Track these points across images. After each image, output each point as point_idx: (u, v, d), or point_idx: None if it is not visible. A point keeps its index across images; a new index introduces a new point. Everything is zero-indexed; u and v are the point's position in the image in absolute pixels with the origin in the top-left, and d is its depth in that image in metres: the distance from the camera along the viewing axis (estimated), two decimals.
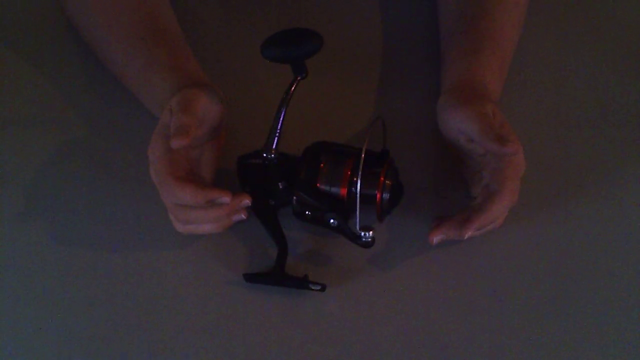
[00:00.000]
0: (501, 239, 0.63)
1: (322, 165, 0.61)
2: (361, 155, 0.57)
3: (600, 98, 0.73)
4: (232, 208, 0.59)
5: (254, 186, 0.63)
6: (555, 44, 0.78)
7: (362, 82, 0.75)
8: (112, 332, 0.59)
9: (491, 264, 0.63)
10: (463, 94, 0.63)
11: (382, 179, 0.60)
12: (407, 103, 0.73)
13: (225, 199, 0.58)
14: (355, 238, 0.59)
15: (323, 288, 0.60)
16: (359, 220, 0.58)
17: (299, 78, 0.58)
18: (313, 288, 0.60)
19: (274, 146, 0.60)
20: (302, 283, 0.60)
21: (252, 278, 0.61)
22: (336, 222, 0.60)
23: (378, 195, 0.60)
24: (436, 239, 0.60)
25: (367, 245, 0.59)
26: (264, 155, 0.60)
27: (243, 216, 0.60)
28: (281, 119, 0.59)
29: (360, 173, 0.57)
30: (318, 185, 0.60)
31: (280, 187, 0.63)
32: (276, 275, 0.60)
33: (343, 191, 0.60)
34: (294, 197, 0.61)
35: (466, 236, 0.59)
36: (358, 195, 0.57)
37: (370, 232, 0.59)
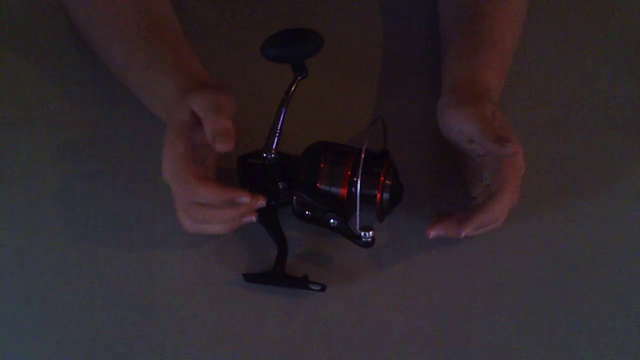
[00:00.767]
0: (501, 238, 0.63)
1: (322, 165, 0.61)
2: (361, 155, 0.57)
3: (601, 98, 0.73)
4: (248, 208, 0.59)
5: (254, 186, 0.63)
6: (555, 44, 0.78)
7: (362, 82, 0.75)
8: (113, 332, 0.59)
9: (491, 263, 0.63)
10: (463, 95, 0.63)
11: (382, 179, 0.60)
12: (407, 103, 0.73)
13: (245, 198, 0.58)
14: (355, 238, 0.59)
15: (323, 288, 0.60)
16: (359, 220, 0.58)
17: (299, 78, 0.58)
18: (313, 288, 0.60)
19: (274, 146, 0.60)
20: (302, 283, 0.60)
21: (252, 278, 0.61)
22: (336, 222, 0.60)
23: (378, 195, 0.60)
24: (433, 233, 0.60)
25: (367, 245, 0.59)
26: (264, 155, 0.60)
27: (253, 218, 0.60)
28: (281, 119, 0.59)
29: (360, 173, 0.57)
30: (318, 185, 0.60)
31: (280, 187, 0.63)
32: (276, 275, 0.60)
33: (343, 191, 0.60)
34: (294, 197, 0.61)
35: (463, 234, 0.59)
36: (358, 195, 0.57)
37: (370, 232, 0.59)
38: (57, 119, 0.73)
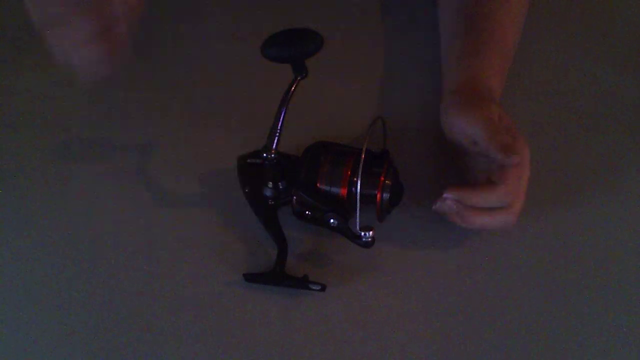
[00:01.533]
0: (502, 239, 0.63)
1: (322, 165, 0.61)
2: (361, 155, 0.57)
3: (601, 98, 0.73)
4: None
5: (254, 186, 0.64)
6: (555, 44, 0.78)
7: (362, 82, 0.75)
8: (112, 332, 0.59)
9: (492, 263, 0.63)
10: (468, 97, 0.63)
11: (382, 179, 0.60)
12: (407, 103, 0.73)
13: None
14: (355, 238, 0.59)
15: (323, 288, 0.60)
16: (359, 220, 0.58)
17: (299, 78, 0.58)
18: (313, 288, 0.60)
19: (274, 146, 0.60)
20: (302, 283, 0.60)
21: (252, 278, 0.61)
22: (336, 222, 0.60)
23: (378, 195, 0.60)
24: (435, 206, 0.60)
25: (367, 245, 0.59)
26: (264, 155, 0.60)
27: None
28: (281, 119, 0.59)
29: (360, 173, 0.57)
30: (318, 185, 0.60)
31: (280, 187, 0.63)
32: (276, 275, 0.60)
33: (343, 191, 0.60)
34: (294, 197, 0.61)
35: (445, 194, 0.58)
36: (358, 195, 0.57)
37: (370, 232, 0.59)
38: (57, 119, 0.73)
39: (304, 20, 0.79)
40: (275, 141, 0.59)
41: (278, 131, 0.59)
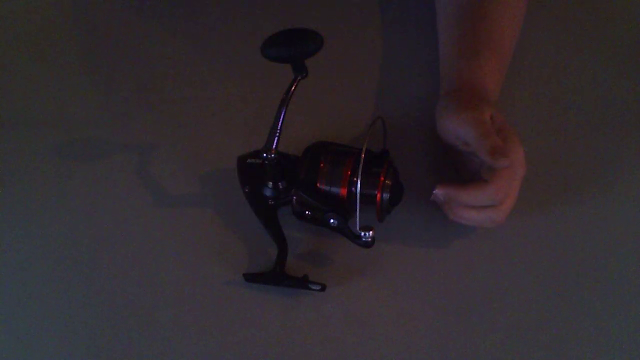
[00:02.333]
0: (501, 238, 0.63)
1: (322, 165, 0.61)
2: (361, 155, 0.57)
3: (600, 98, 0.73)
4: None
5: (254, 186, 0.64)
6: (555, 44, 0.78)
7: (362, 82, 0.75)
8: (112, 332, 0.59)
9: (491, 263, 0.63)
10: (462, 98, 0.63)
11: (382, 179, 0.60)
12: (407, 103, 0.73)
13: None
14: (355, 238, 0.59)
15: (323, 288, 0.60)
16: (359, 220, 0.58)
17: (299, 78, 0.58)
18: (313, 288, 0.60)
19: (274, 146, 0.60)
20: (302, 283, 0.60)
21: (252, 278, 0.61)
22: (336, 222, 0.60)
23: (378, 195, 0.60)
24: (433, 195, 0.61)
25: (367, 245, 0.59)
26: (264, 155, 0.60)
27: None
28: (281, 119, 0.59)
29: (360, 173, 0.57)
30: (318, 185, 0.60)
31: (280, 187, 0.63)
32: (276, 275, 0.60)
33: (343, 191, 0.60)
34: (294, 197, 0.61)
35: (435, 190, 0.60)
36: (358, 195, 0.57)
37: (370, 232, 0.59)
38: (57, 119, 0.73)
39: (304, 20, 0.79)
40: (275, 141, 0.59)
41: (278, 131, 0.59)
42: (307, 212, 0.61)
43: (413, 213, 0.65)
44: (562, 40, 0.78)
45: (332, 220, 0.60)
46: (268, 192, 0.63)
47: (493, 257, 0.63)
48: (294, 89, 0.58)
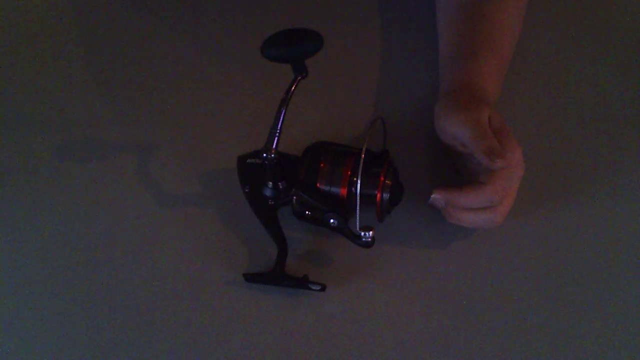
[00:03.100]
0: (501, 238, 0.63)
1: (322, 165, 0.61)
2: (361, 155, 0.57)
3: (600, 98, 0.73)
4: None
5: (254, 186, 0.64)
6: (555, 44, 0.78)
7: (362, 82, 0.75)
8: (112, 332, 0.59)
9: (491, 264, 0.63)
10: (460, 99, 0.63)
11: (382, 179, 0.60)
12: (407, 103, 0.73)
13: None
14: (355, 238, 0.59)
15: (323, 288, 0.60)
16: (359, 220, 0.58)
17: (299, 78, 0.58)
18: (313, 288, 0.60)
19: (274, 146, 0.60)
20: (302, 283, 0.60)
21: (252, 278, 0.61)
22: (336, 222, 0.60)
23: (378, 195, 0.60)
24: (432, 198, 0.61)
25: (367, 245, 0.59)
26: (264, 155, 0.60)
27: None
28: (281, 119, 0.59)
29: (360, 173, 0.57)
30: (318, 185, 0.60)
31: (280, 187, 0.63)
32: (276, 275, 0.60)
33: (343, 191, 0.60)
34: (294, 197, 0.61)
35: (433, 195, 0.60)
36: (358, 195, 0.57)
37: (370, 232, 0.59)
38: (57, 119, 0.73)
39: (304, 20, 0.79)
40: (275, 141, 0.59)
41: (278, 131, 0.59)
42: (307, 212, 0.61)
43: (413, 213, 0.65)
44: (562, 40, 0.78)
45: (332, 220, 0.60)
46: (268, 192, 0.63)
47: (493, 257, 0.63)
48: (294, 89, 0.58)
